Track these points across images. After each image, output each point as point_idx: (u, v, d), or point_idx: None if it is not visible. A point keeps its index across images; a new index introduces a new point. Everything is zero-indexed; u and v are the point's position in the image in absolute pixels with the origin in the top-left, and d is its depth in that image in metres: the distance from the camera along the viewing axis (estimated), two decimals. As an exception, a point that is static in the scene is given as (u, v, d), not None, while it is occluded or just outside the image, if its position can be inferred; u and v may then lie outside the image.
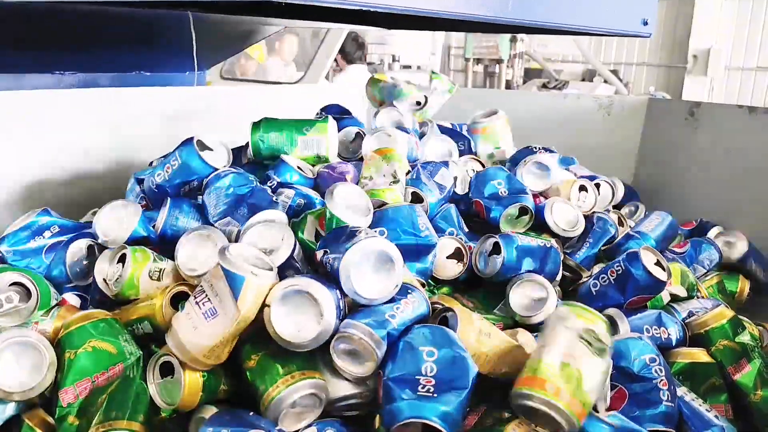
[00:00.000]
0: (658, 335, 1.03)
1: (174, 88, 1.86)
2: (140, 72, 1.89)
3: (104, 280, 1.01)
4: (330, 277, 0.86)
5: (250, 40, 2.43)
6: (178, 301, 0.94)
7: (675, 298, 1.15)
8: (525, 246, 1.09)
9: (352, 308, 0.87)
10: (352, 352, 0.82)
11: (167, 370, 0.85)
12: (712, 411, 0.91)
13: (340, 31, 4.28)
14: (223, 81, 4.30)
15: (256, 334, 0.84)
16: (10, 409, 0.82)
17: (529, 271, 1.07)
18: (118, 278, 0.97)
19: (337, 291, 0.84)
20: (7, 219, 1.31)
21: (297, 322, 0.80)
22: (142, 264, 0.97)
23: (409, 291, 0.89)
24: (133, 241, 1.05)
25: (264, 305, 0.80)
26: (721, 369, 1.00)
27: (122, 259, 0.98)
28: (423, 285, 1.01)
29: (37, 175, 1.44)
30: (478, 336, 0.84)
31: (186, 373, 0.83)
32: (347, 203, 0.98)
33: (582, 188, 1.33)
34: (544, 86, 6.85)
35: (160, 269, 0.99)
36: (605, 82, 7.13)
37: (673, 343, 1.04)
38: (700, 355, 1.00)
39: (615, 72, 7.72)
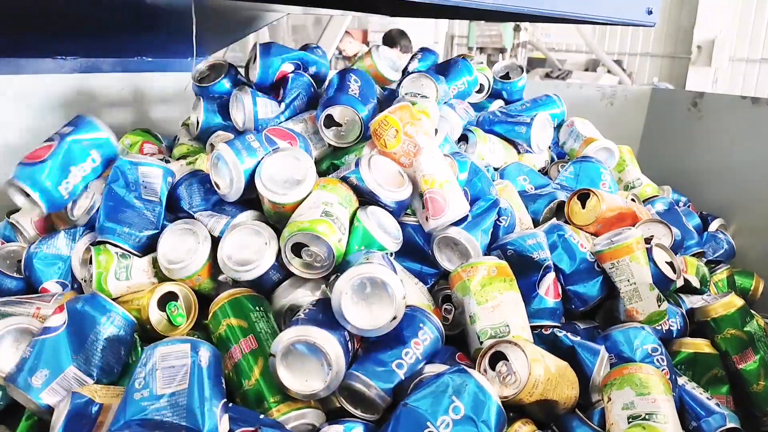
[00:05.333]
0: (659, 326, 1.03)
1: (173, 73, 1.85)
2: (142, 57, 1.88)
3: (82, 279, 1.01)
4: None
5: (252, 26, 2.41)
6: (165, 302, 0.92)
7: (686, 288, 1.15)
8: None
9: (359, 348, 0.84)
10: (358, 398, 0.81)
11: None
12: (713, 399, 0.91)
13: (343, 18, 4.26)
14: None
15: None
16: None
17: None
18: (90, 279, 0.96)
19: (344, 332, 0.80)
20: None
21: (304, 373, 0.77)
22: (106, 267, 0.95)
23: (421, 325, 0.86)
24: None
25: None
26: (725, 358, 1.00)
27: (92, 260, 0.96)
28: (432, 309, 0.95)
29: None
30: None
31: None
32: (380, 223, 0.96)
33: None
34: (547, 76, 6.82)
35: (127, 266, 0.97)
36: (608, 72, 7.10)
37: (674, 335, 1.04)
38: (702, 346, 1.00)
39: (618, 62, 7.69)
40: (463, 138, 1.30)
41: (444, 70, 1.37)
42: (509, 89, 1.56)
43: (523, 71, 1.57)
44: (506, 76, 1.57)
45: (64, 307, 0.81)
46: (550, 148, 1.50)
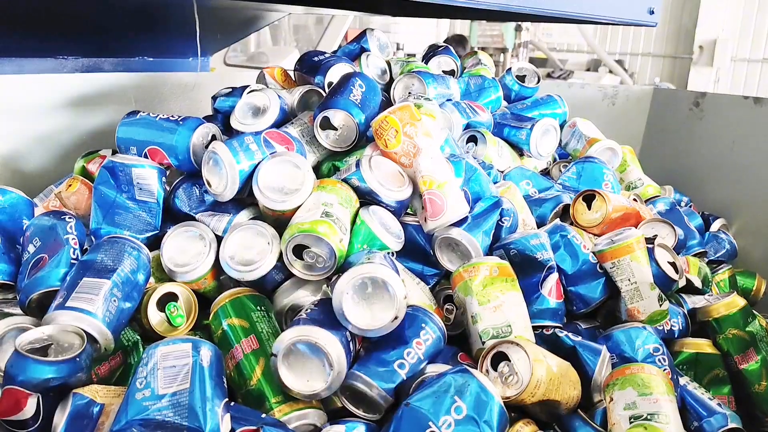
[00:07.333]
0: (661, 326, 1.03)
1: (175, 73, 1.85)
2: (144, 57, 1.88)
3: None
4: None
5: (253, 26, 2.42)
6: (164, 303, 0.91)
7: (688, 288, 1.15)
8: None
9: (361, 348, 0.84)
10: (360, 398, 0.81)
11: None
12: (715, 400, 0.91)
13: (345, 18, 4.26)
14: (227, 67, 4.29)
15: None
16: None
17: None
18: None
19: (346, 332, 0.80)
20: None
21: (306, 373, 0.77)
22: None
23: (423, 325, 0.85)
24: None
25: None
26: (726, 358, 1.00)
27: None
28: (435, 308, 0.95)
29: (40, 157, 1.44)
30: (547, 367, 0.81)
31: None
32: (382, 222, 0.96)
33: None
34: (549, 76, 6.82)
35: None
36: (610, 72, 7.10)
37: (676, 335, 1.04)
38: (704, 346, 1.00)
39: (620, 62, 7.69)
40: (473, 139, 1.30)
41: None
42: (520, 92, 1.53)
43: (539, 79, 1.54)
44: (521, 78, 1.54)
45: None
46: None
